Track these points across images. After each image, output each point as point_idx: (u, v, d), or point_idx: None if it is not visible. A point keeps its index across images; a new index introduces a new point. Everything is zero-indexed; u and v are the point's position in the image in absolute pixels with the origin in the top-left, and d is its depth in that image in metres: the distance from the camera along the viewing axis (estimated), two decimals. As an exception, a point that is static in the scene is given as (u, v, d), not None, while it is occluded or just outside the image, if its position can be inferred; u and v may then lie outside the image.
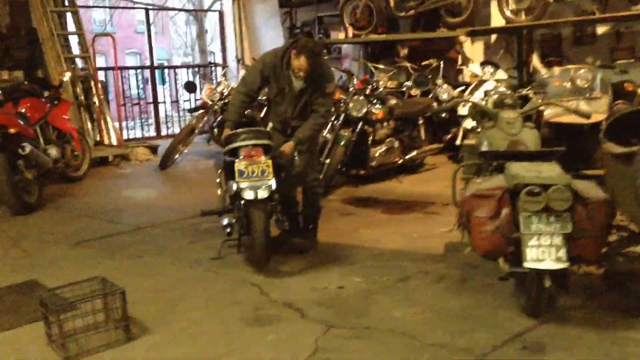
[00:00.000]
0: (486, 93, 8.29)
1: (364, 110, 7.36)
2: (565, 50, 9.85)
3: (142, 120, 12.76)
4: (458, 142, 8.54)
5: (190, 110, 9.40)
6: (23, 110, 7.23)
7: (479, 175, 4.62)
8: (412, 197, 7.03)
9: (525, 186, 3.38)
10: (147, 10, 14.24)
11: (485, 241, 3.50)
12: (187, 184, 8.29)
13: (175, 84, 13.19)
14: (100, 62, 10.84)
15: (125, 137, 11.45)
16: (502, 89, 6.88)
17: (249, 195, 4.35)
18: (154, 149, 10.21)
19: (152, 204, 7.30)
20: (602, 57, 9.56)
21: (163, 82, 14.98)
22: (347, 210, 6.55)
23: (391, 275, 4.50)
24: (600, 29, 9.82)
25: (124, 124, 11.77)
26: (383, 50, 11.88)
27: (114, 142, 9.92)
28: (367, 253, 5.06)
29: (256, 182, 4.36)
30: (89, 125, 9.68)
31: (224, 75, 10.72)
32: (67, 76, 8.69)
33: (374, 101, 7.69)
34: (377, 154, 7.64)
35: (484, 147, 4.38)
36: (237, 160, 4.44)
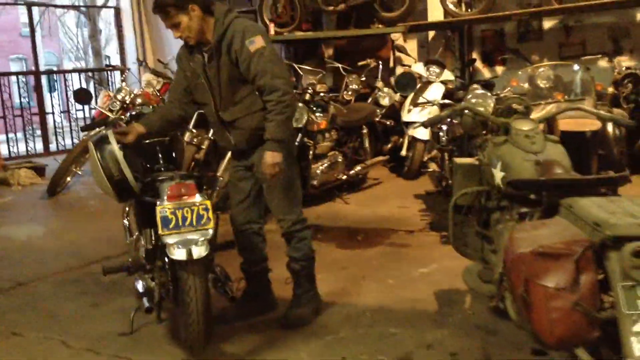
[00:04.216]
0: (448, 96, 7.30)
1: (305, 119, 6.06)
2: (511, 46, 8.94)
3: (28, 133, 10.87)
4: (403, 152, 7.45)
5: (85, 129, 7.02)
6: None
7: (485, 204, 3.51)
8: (368, 223, 5.79)
9: (624, 240, 2.19)
10: (29, 7, 12.30)
11: (558, 323, 2.26)
12: (83, 215, 6.65)
13: (66, 92, 11.38)
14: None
15: (5, 154, 9.60)
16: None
17: (179, 254, 2.89)
18: (40, 170, 8.42)
19: (39, 245, 5.67)
20: (550, 53, 8.75)
21: (52, 89, 13.05)
22: (292, 245, 5.16)
23: (385, 354, 3.20)
24: (548, 24, 8.99)
25: (5, 138, 9.96)
26: (307, 50, 10.61)
27: (-10, 162, 8.16)
28: (339, 315, 3.73)
29: (190, 235, 2.93)
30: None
31: (124, 80, 9.08)
32: None
33: (315, 108, 6.42)
34: (319, 171, 6.37)
35: (500, 170, 3.21)
36: (159, 203, 3.00)
